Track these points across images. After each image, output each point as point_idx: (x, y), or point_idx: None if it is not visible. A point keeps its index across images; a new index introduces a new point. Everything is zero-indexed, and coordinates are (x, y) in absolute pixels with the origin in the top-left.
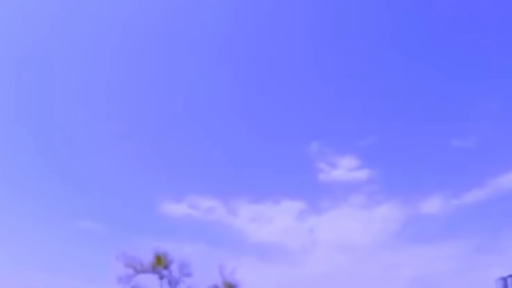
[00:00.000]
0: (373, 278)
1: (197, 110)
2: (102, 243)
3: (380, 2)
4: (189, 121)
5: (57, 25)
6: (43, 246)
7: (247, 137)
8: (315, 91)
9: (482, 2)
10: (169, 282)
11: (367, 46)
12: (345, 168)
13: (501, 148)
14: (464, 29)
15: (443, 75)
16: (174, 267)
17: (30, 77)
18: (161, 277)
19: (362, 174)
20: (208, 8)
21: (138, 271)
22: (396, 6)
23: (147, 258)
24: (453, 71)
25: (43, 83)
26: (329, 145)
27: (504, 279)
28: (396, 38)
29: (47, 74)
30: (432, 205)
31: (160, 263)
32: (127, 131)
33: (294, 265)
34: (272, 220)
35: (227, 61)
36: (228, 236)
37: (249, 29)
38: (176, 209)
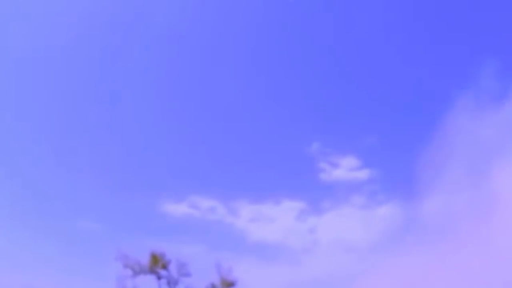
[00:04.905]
0: (374, 278)
1: (197, 110)
2: (102, 243)
3: (379, 3)
4: (189, 121)
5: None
6: (43, 246)
7: (248, 137)
8: (316, 90)
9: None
10: (168, 283)
11: (367, 46)
12: (346, 168)
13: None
14: (463, 28)
15: (444, 74)
16: (172, 267)
17: None
18: (159, 278)
19: (363, 174)
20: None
21: (136, 272)
22: (396, 6)
23: (145, 259)
24: (454, 70)
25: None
26: (330, 145)
27: None
28: (396, 37)
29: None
30: (433, 205)
31: (157, 263)
32: (126, 130)
33: (294, 265)
34: (273, 220)
35: (228, 61)
36: (228, 236)
37: (251, 29)
38: (176, 209)
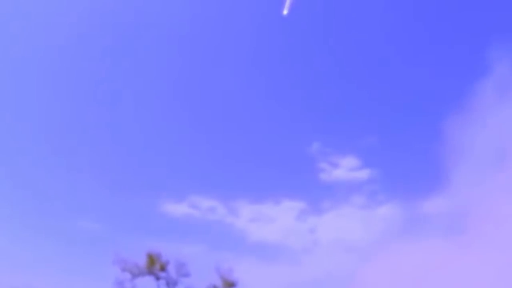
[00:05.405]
0: (374, 278)
1: (197, 110)
2: (102, 243)
3: (379, 3)
4: (189, 121)
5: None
6: (43, 246)
7: (248, 137)
8: (316, 90)
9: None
10: (167, 283)
11: (367, 46)
12: (346, 168)
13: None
14: (463, 28)
15: (444, 74)
16: (171, 268)
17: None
18: (158, 278)
19: (363, 174)
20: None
21: (135, 275)
22: (396, 6)
23: (143, 260)
24: (454, 70)
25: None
26: (330, 145)
27: None
28: (396, 37)
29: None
30: (433, 204)
31: (154, 264)
32: (126, 130)
33: (294, 265)
34: (273, 220)
35: (228, 61)
36: (228, 236)
37: (251, 28)
38: (176, 209)
